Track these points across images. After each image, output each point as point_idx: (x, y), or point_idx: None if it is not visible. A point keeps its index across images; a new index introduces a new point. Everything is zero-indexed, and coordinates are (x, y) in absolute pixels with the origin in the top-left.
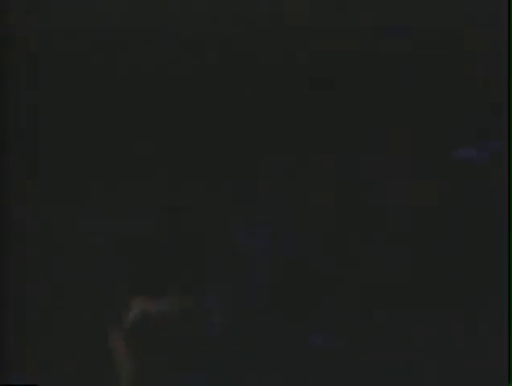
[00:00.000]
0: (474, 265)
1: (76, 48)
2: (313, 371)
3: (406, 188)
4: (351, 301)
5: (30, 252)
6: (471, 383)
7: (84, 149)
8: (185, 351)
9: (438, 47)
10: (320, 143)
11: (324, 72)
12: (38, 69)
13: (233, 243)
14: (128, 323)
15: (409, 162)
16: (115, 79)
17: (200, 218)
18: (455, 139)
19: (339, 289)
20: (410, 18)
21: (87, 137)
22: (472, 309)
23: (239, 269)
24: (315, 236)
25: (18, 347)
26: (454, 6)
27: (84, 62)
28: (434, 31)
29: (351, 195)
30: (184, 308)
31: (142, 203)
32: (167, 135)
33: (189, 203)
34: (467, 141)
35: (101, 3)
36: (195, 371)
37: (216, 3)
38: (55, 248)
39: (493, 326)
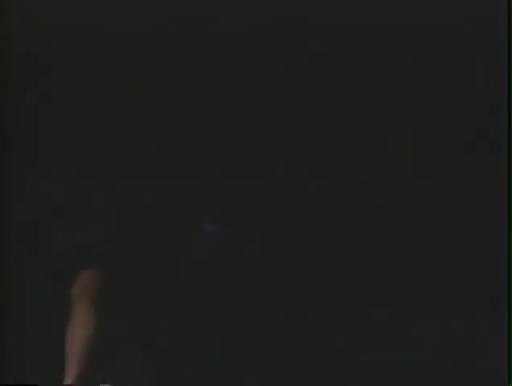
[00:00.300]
0: (474, 265)
1: (76, 48)
2: (313, 371)
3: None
4: (351, 301)
5: (30, 252)
6: (471, 383)
7: (84, 149)
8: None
9: (438, 47)
10: (319, 143)
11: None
12: (38, 69)
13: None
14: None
15: (409, 162)
16: (115, 79)
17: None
18: (455, 139)
19: (340, 289)
20: (411, 18)
21: (87, 137)
22: (472, 309)
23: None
24: (315, 235)
25: (18, 347)
26: (454, 6)
27: (84, 62)
28: (434, 31)
29: (350, 195)
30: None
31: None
32: (167, 135)
33: (188, 203)
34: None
35: (101, 3)
36: (194, 371)
37: (217, 3)
38: (55, 247)
39: (493, 326)
